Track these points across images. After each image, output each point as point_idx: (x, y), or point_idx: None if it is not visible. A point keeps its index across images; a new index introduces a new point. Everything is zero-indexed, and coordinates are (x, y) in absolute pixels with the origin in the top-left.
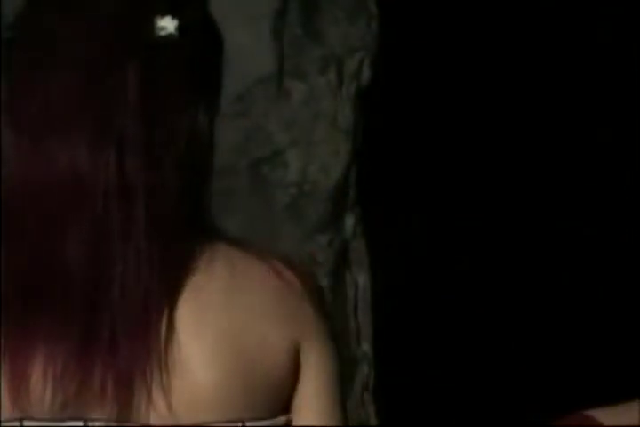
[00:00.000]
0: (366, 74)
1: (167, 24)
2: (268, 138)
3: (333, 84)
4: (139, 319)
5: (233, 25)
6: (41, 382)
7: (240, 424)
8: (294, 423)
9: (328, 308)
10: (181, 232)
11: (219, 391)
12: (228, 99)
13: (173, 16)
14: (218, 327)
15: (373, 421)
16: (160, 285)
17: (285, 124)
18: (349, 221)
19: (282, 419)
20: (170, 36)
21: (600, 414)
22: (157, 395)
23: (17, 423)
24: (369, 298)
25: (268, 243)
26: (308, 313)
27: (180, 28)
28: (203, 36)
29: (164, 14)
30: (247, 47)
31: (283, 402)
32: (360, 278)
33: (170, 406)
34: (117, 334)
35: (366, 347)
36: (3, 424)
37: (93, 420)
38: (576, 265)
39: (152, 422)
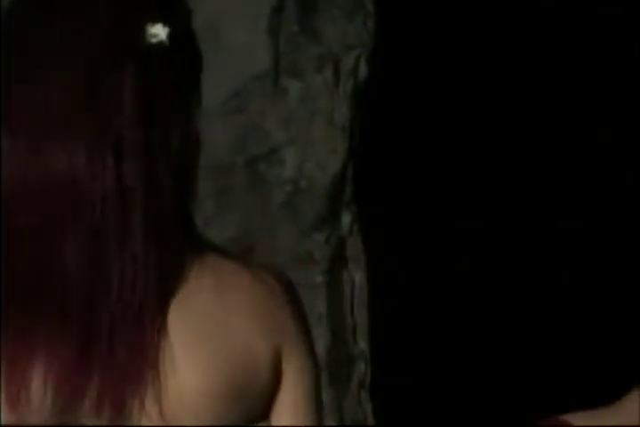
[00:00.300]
0: (363, 72)
1: (159, 31)
2: (265, 135)
3: (330, 82)
4: (135, 325)
5: (230, 22)
6: (39, 388)
7: None
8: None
9: (307, 318)
10: (176, 236)
11: (204, 396)
12: (225, 96)
13: (164, 24)
14: (204, 333)
15: (370, 419)
16: (155, 290)
17: (282, 122)
18: (346, 219)
19: (261, 425)
20: (161, 43)
21: (575, 419)
22: (150, 400)
23: None
24: (365, 295)
25: (264, 240)
26: (289, 321)
27: (170, 36)
28: (188, 44)
29: (155, 22)
30: (244, 44)
31: (266, 407)
32: (357, 276)
33: (161, 411)
34: (115, 339)
35: (363, 345)
36: None
37: (67, 421)
38: (576, 265)
39: (135, 422)
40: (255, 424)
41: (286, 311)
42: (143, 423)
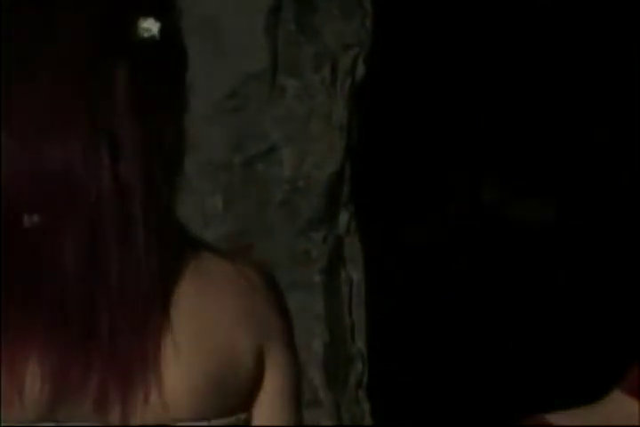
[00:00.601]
0: (360, 71)
1: (151, 26)
2: (263, 134)
3: (328, 81)
4: (136, 324)
5: (228, 21)
6: (38, 386)
7: (206, 423)
8: (254, 420)
9: (289, 313)
10: (173, 234)
11: (188, 394)
12: (223, 95)
13: (156, 18)
14: (189, 331)
15: (368, 418)
16: (156, 288)
17: (280, 121)
18: (344, 218)
19: (242, 416)
20: (152, 37)
21: (556, 418)
22: (150, 399)
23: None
24: (363, 295)
25: (262, 239)
26: (272, 317)
27: (161, 31)
28: (177, 40)
29: (147, 16)
30: (242, 44)
31: (247, 399)
32: (354, 275)
33: (159, 410)
34: (115, 338)
35: (361, 344)
36: None
37: (66, 421)
38: (573, 265)
39: (132, 422)
40: (236, 415)
41: (269, 307)
42: (143, 423)
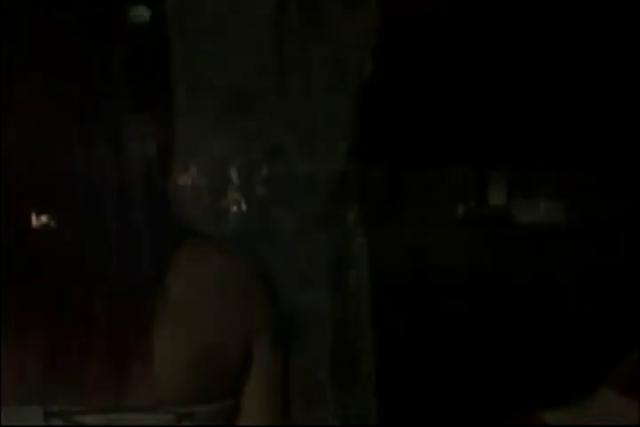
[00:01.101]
0: (366, 70)
1: (142, 12)
2: (268, 133)
3: (334, 80)
4: (132, 310)
5: (233, 19)
6: (35, 372)
7: (191, 409)
8: (241, 408)
9: (279, 306)
10: (172, 222)
11: (177, 374)
12: (227, 94)
13: (147, 6)
14: (181, 316)
15: (375, 417)
16: (154, 276)
17: (285, 119)
18: (349, 218)
19: (228, 403)
20: (144, 24)
21: (548, 415)
22: (144, 385)
23: None
24: (369, 294)
25: (266, 239)
26: (261, 312)
27: (152, 18)
28: (165, 28)
29: (138, 3)
30: (247, 42)
31: (235, 388)
32: (360, 275)
33: (140, 390)
34: (111, 323)
35: (367, 344)
36: None
37: (60, 404)
38: (575, 268)
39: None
40: (222, 402)
41: (258, 300)
42: (131, 404)
